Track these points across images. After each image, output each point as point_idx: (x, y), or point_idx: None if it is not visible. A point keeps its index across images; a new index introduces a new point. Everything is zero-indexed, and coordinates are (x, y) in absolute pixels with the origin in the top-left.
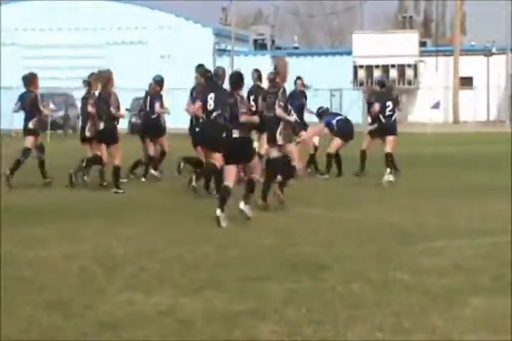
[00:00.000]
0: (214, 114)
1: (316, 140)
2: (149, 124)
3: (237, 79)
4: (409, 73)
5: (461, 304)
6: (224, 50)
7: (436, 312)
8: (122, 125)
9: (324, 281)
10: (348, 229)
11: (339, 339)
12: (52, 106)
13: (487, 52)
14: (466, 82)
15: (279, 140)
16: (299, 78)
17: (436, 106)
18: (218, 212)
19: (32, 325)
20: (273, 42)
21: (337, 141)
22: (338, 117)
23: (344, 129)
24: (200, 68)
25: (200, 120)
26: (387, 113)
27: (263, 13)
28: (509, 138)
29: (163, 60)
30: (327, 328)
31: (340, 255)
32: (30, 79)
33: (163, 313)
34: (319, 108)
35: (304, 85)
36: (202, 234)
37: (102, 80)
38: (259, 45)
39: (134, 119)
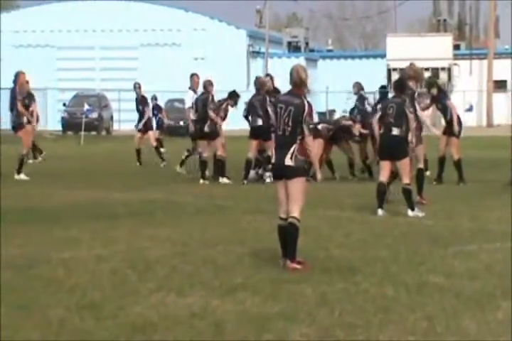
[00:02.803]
0: None
1: None
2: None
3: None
4: (443, 76)
5: (493, 307)
6: (258, 52)
7: (469, 316)
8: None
9: (356, 284)
10: (380, 231)
11: None
12: (87, 106)
13: None
14: (500, 85)
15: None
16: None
17: (470, 109)
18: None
19: (64, 326)
20: (307, 44)
21: None
22: None
23: None
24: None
25: None
26: None
27: (297, 17)
28: None
29: (197, 62)
30: (359, 331)
31: (373, 258)
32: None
33: (195, 315)
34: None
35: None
36: (234, 236)
37: None
38: (293, 48)
39: (166, 121)
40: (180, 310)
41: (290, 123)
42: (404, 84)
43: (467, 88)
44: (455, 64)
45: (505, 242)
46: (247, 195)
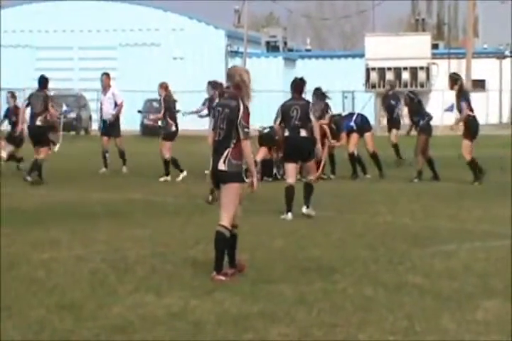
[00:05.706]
0: None
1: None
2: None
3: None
4: (421, 75)
5: (473, 307)
6: (236, 52)
7: (448, 315)
8: (134, 127)
9: (335, 284)
10: (360, 231)
11: None
12: (65, 107)
13: (500, 55)
14: (479, 84)
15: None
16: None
17: (450, 109)
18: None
19: (44, 327)
20: (285, 44)
21: (354, 139)
22: (354, 117)
23: (364, 124)
24: None
25: None
26: None
27: (274, 16)
28: None
29: (176, 61)
30: (338, 331)
31: (352, 257)
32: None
33: (175, 315)
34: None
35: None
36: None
37: None
38: (272, 47)
39: (146, 121)
40: (159, 310)
41: (224, 127)
42: (304, 84)
43: (446, 87)
44: (433, 63)
45: (485, 241)
46: None
